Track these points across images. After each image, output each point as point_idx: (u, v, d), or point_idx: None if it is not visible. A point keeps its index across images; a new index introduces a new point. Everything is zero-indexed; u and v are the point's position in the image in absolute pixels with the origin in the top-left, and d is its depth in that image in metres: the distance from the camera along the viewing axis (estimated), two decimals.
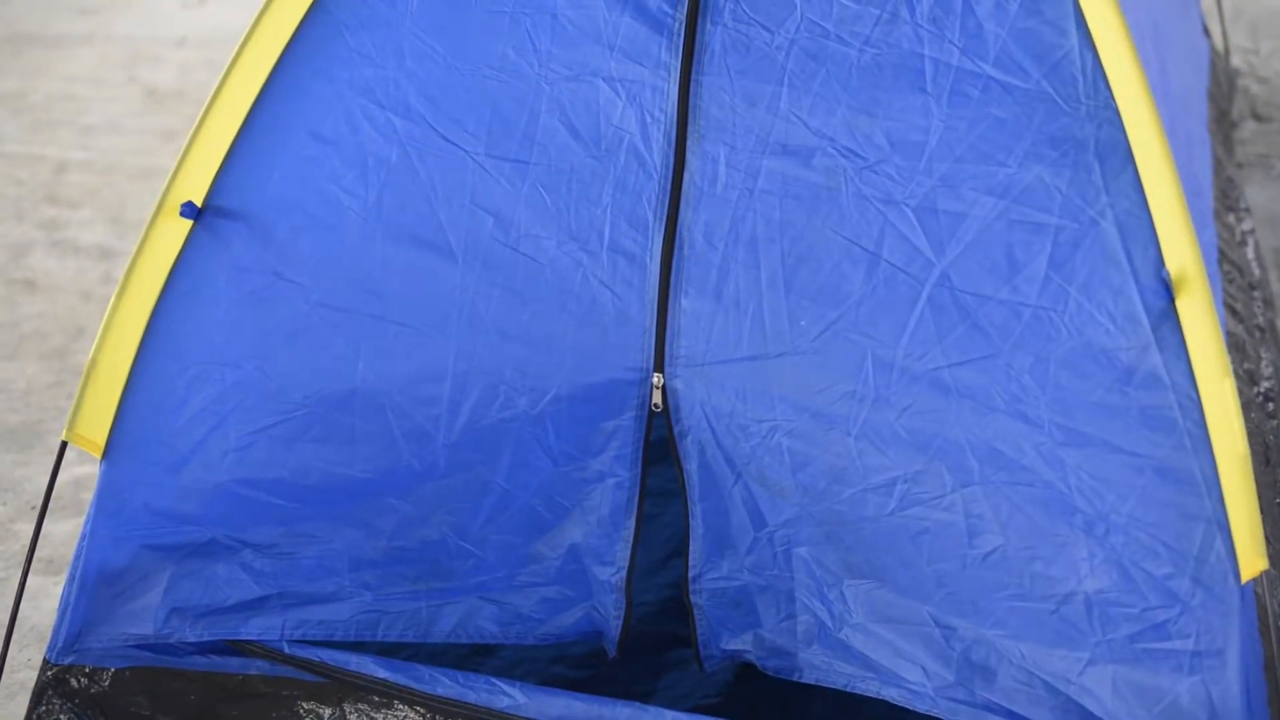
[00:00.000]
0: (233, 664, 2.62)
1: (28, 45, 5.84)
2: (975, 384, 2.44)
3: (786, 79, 2.45)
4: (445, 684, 2.59)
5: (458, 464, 2.60)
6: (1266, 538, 2.79)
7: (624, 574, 2.67)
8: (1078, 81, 2.38)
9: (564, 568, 2.68)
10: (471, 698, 2.59)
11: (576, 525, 2.66)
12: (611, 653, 2.75)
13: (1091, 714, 2.44)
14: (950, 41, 2.40)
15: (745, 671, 2.80)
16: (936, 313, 2.43)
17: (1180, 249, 2.35)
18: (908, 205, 2.43)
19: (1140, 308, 2.37)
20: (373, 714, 2.60)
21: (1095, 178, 2.38)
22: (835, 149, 2.44)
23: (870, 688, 2.62)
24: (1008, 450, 2.43)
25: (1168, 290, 2.35)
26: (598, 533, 2.65)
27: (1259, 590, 2.42)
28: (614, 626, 2.71)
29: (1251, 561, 2.35)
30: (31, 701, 2.64)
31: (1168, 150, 2.36)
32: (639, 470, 2.62)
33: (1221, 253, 3.51)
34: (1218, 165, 3.94)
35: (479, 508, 2.63)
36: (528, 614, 2.71)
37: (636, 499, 2.63)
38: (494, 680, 2.60)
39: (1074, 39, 2.37)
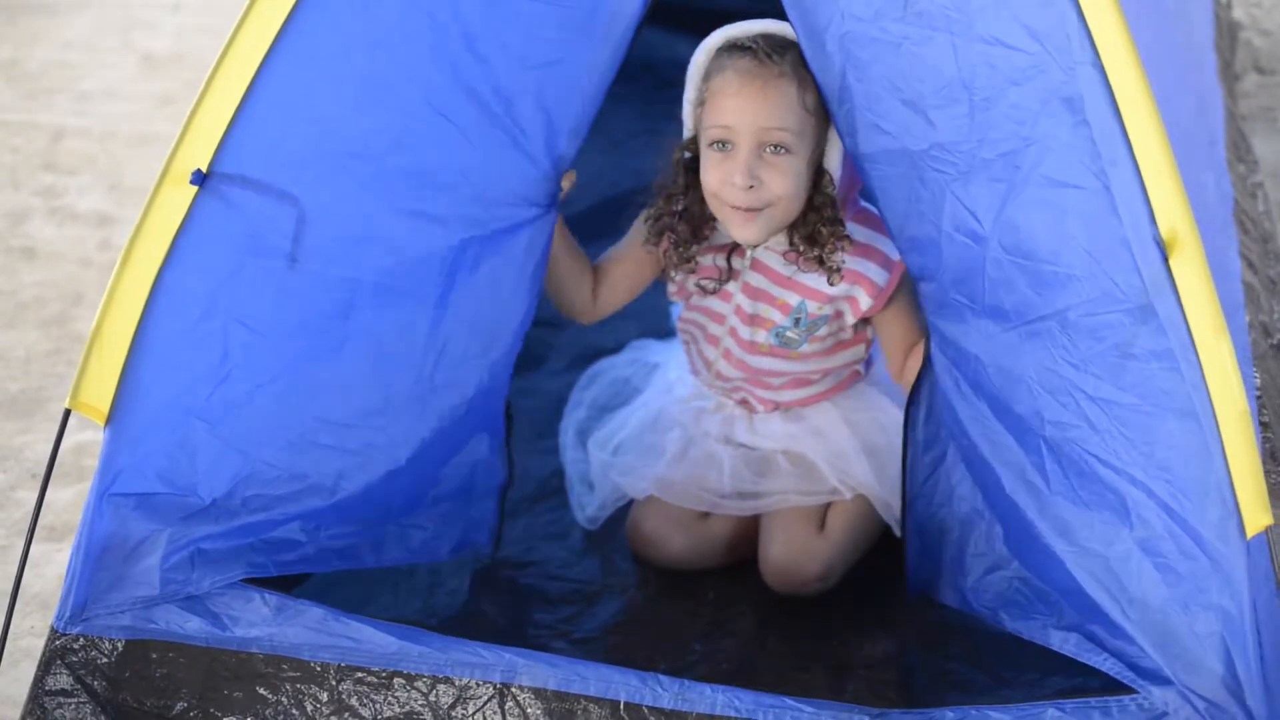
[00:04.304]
0: (233, 641, 2.61)
1: (22, 12, 5.81)
2: (1023, 346, 2.50)
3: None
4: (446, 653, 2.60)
5: (432, 408, 2.70)
6: None
7: (500, 475, 2.91)
8: (1069, 44, 2.38)
9: (456, 488, 2.83)
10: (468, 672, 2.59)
11: (482, 445, 2.83)
12: (489, 553, 2.95)
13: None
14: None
15: (747, 647, 2.86)
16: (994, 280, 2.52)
17: (1170, 210, 2.36)
18: (960, 177, 2.49)
19: (1137, 269, 2.38)
20: (371, 695, 2.59)
21: (1089, 140, 2.38)
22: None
23: None
24: (1053, 403, 2.49)
25: (1162, 251, 2.35)
26: (490, 445, 2.84)
27: (1271, 545, 2.42)
28: (492, 524, 2.93)
29: (1256, 517, 2.37)
30: (38, 671, 2.63)
31: (1155, 109, 2.36)
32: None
33: (1236, 203, 3.50)
34: (1229, 116, 3.93)
35: (438, 456, 2.75)
36: (415, 534, 2.82)
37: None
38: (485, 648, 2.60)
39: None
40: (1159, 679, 2.45)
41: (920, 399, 2.77)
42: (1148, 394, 2.41)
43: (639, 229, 3.03)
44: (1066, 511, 2.51)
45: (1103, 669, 2.52)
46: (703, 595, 3.04)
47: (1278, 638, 2.44)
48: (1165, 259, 2.35)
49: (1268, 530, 2.39)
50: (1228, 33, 4.89)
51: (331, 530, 2.70)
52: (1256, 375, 3.00)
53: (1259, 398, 2.95)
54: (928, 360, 2.73)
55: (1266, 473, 2.80)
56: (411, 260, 2.61)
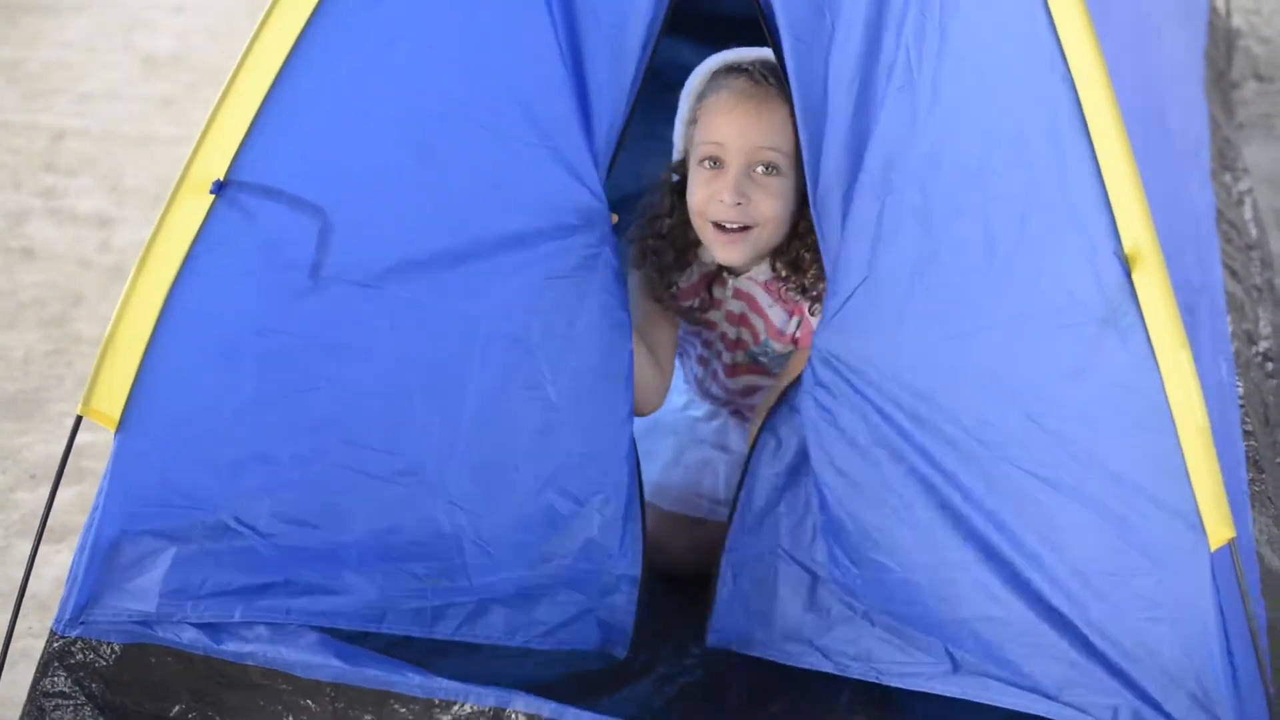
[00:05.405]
0: (229, 652, 2.61)
1: (23, 13, 5.82)
2: (959, 361, 2.47)
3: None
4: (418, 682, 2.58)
5: (477, 441, 2.59)
6: (1268, 498, 2.80)
7: (638, 567, 2.66)
8: (1040, 56, 2.37)
9: (575, 566, 2.66)
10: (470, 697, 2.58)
11: (591, 519, 2.64)
12: (621, 654, 2.72)
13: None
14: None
15: (734, 659, 2.85)
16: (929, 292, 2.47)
17: (1134, 224, 2.36)
18: (917, 186, 2.46)
19: (1098, 283, 2.37)
20: (366, 712, 2.58)
21: (1056, 153, 2.38)
22: None
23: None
24: (994, 420, 2.46)
25: (1124, 265, 2.35)
26: (609, 528, 2.64)
27: (1234, 558, 2.41)
28: (625, 624, 2.68)
29: (1218, 530, 2.37)
30: (36, 673, 2.63)
31: (1121, 123, 2.36)
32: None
33: (1220, 213, 3.51)
34: (1215, 125, 3.93)
35: (494, 500, 2.61)
36: (539, 618, 2.68)
37: (637, 493, 2.65)
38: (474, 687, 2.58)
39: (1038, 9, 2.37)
40: (1121, 698, 2.44)
41: (777, 425, 2.69)
42: (1101, 409, 2.39)
43: (639, 297, 2.97)
44: (993, 537, 2.49)
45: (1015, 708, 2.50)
46: (701, 599, 3.04)
47: (1248, 649, 2.43)
48: (1128, 273, 2.35)
49: (1231, 543, 2.38)
50: (1225, 41, 4.90)
51: (387, 586, 2.60)
52: (1239, 384, 3.00)
53: (1241, 406, 2.95)
54: (799, 389, 2.63)
55: (1249, 481, 2.81)
56: (447, 278, 2.55)
